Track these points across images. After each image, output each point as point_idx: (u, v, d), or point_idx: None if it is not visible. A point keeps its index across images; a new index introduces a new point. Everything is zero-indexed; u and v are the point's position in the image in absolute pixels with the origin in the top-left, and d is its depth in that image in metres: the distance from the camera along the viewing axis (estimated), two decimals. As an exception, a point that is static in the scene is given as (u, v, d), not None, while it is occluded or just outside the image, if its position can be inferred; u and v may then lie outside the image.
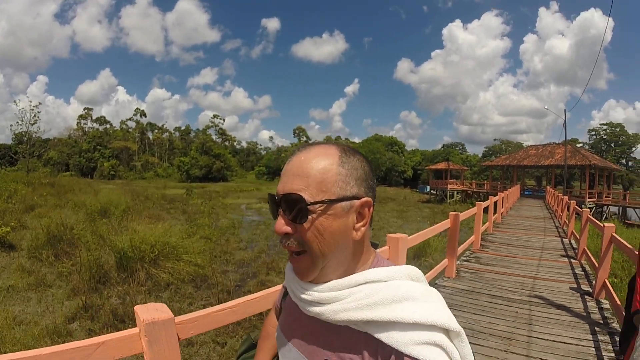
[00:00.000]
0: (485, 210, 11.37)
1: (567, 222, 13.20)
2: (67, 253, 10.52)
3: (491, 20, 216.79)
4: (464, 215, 7.90)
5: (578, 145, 67.83)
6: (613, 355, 4.21)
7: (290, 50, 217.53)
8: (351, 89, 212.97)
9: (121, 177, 74.65)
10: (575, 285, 6.92)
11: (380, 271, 0.85)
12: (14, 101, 54.21)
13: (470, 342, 0.84)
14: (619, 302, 5.25)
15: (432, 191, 53.98)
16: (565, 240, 11.70)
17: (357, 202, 0.84)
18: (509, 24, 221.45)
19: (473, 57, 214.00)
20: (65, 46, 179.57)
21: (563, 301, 6.01)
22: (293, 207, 0.81)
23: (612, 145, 78.25)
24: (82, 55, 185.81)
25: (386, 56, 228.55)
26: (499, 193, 16.44)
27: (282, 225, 0.83)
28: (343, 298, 0.83)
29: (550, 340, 4.53)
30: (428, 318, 0.74)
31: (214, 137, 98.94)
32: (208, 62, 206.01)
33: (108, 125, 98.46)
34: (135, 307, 1.59)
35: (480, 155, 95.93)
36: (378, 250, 0.97)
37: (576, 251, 7.64)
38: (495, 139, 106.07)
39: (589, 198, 33.54)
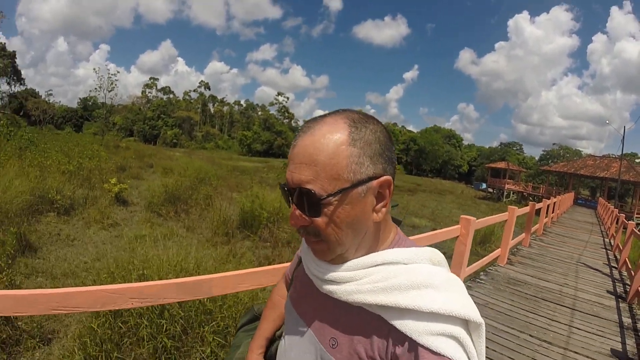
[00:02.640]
0: (538, 212, 11.84)
1: (614, 234, 13.39)
2: (185, 211, 11.25)
3: (560, 15, 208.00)
4: (519, 212, 8.16)
5: (638, 160, 67.04)
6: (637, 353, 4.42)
7: (351, 32, 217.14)
8: (410, 75, 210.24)
9: (183, 146, 77.00)
10: (611, 289, 7.23)
11: (400, 252, 0.82)
12: (94, 69, 56.75)
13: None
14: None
15: (488, 189, 53.88)
16: (610, 251, 11.78)
17: (374, 183, 0.78)
18: (579, 21, 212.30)
19: (538, 52, 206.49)
20: (129, 17, 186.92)
21: (596, 303, 6.24)
22: (305, 202, 0.77)
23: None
24: (145, 25, 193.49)
25: (448, 44, 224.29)
26: (552, 197, 17.02)
27: (296, 218, 0.81)
28: (359, 278, 0.81)
29: (579, 340, 4.69)
30: (447, 308, 0.71)
31: (273, 113, 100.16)
32: (268, 38, 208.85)
33: (171, 95, 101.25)
34: None
35: (536, 158, 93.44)
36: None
37: (627, 287, 7.53)
38: (554, 143, 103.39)
39: (637, 214, 33.33)
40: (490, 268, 7.41)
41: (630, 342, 4.78)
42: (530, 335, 4.57)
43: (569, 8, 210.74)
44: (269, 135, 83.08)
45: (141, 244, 8.36)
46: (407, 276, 0.76)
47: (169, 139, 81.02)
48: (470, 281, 6.42)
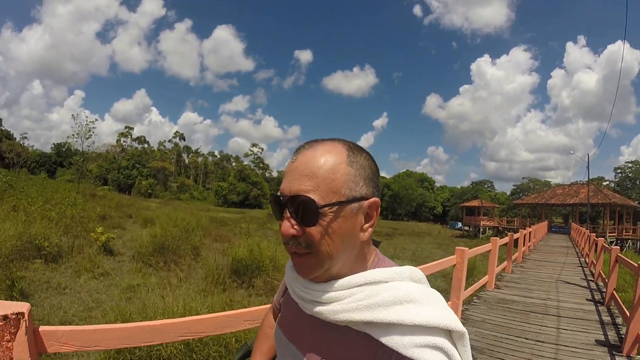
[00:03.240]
0: (516, 243, 12.90)
1: (587, 252, 14.51)
2: (174, 261, 11.21)
3: (519, 55, 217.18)
4: (501, 241, 9.37)
5: (605, 183, 74.38)
6: None
7: (322, 82, 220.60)
8: (380, 122, 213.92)
9: (157, 196, 75.95)
10: (590, 297, 8.27)
11: (381, 272, 0.85)
12: (72, 115, 56.48)
13: None
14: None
15: (465, 227, 55.63)
16: (586, 268, 12.79)
17: (365, 203, 0.83)
18: (537, 59, 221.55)
19: (501, 92, 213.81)
20: (105, 64, 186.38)
21: (578, 309, 7.23)
22: (302, 209, 0.80)
23: (638, 182, 78.60)
24: (120, 74, 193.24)
25: (415, 91, 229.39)
26: (527, 228, 18.19)
27: (288, 228, 0.82)
28: (343, 298, 0.83)
29: (567, 337, 5.55)
30: (429, 320, 0.74)
31: (248, 164, 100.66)
32: (241, 89, 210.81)
33: (146, 145, 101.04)
34: None
35: (508, 193, 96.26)
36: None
37: (604, 294, 8.08)
38: (523, 177, 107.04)
39: (609, 233, 36.17)
40: (480, 293, 8.21)
41: (611, 334, 5.77)
42: (525, 339, 5.45)
43: (527, 48, 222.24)
44: (245, 186, 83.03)
45: (136, 293, 8.34)
46: (390, 293, 0.79)
47: (144, 189, 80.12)
48: (466, 304, 7.09)
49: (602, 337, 5.57)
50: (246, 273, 9.79)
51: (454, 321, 0.76)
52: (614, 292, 7.02)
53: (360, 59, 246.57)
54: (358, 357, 0.79)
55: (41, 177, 48.99)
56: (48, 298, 7.59)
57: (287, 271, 1.02)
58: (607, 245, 9.06)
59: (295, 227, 0.81)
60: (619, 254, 7.21)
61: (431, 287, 0.85)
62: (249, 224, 29.65)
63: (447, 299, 10.68)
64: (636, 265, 5.57)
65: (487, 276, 8.87)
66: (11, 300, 6.70)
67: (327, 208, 0.79)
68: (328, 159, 0.82)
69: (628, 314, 5.36)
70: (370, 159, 0.88)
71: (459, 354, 0.76)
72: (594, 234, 15.76)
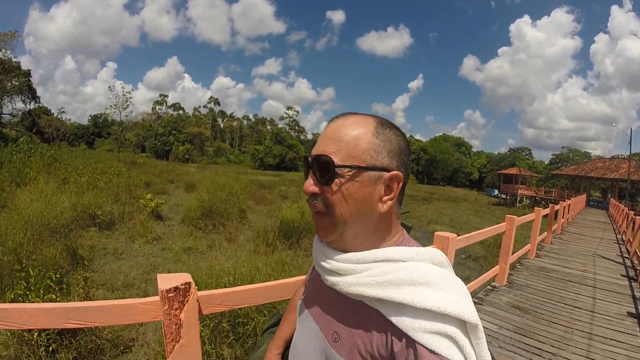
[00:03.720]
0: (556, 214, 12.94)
1: (625, 230, 14.19)
2: (222, 224, 11.48)
3: (561, 17, 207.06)
4: (544, 212, 9.63)
5: None
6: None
7: (355, 44, 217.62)
8: (415, 84, 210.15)
9: (194, 161, 77.41)
10: (625, 274, 8.40)
11: (401, 250, 0.85)
12: (109, 87, 57.73)
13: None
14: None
15: (501, 195, 54.13)
16: (622, 245, 12.59)
17: (386, 174, 0.84)
18: (580, 22, 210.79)
19: (541, 56, 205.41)
20: (135, 35, 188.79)
21: (612, 283, 7.46)
22: (322, 168, 0.84)
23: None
24: (151, 44, 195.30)
25: (452, 52, 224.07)
26: (565, 200, 17.87)
27: (310, 185, 0.86)
28: (359, 272, 0.84)
29: (601, 307, 5.88)
30: (441, 306, 0.72)
31: (284, 127, 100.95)
32: (273, 52, 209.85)
33: (181, 112, 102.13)
34: (157, 275, 1.59)
35: (546, 162, 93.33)
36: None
37: (638, 272, 8.00)
38: (562, 147, 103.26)
39: None
40: (523, 260, 8.59)
41: None
42: (564, 304, 5.88)
43: (569, 10, 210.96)
44: (281, 149, 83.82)
45: (190, 255, 8.59)
46: (405, 272, 0.79)
47: (181, 155, 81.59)
48: (511, 270, 7.49)
49: (633, 310, 5.84)
50: (293, 235, 9.97)
51: (468, 311, 0.73)
52: None
53: (395, 18, 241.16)
54: (368, 335, 0.80)
55: (82, 148, 50.45)
56: (107, 264, 7.85)
57: (314, 244, 1.03)
58: None
59: (315, 185, 0.86)
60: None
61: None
62: (288, 187, 29.94)
63: (486, 265, 10.53)
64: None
65: (529, 245, 9.06)
66: (76, 266, 7.05)
67: (344, 169, 0.82)
68: (356, 127, 0.85)
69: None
70: (400, 136, 0.89)
71: (472, 347, 0.74)
72: (633, 211, 15.19)
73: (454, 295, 0.75)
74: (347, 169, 0.82)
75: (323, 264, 0.92)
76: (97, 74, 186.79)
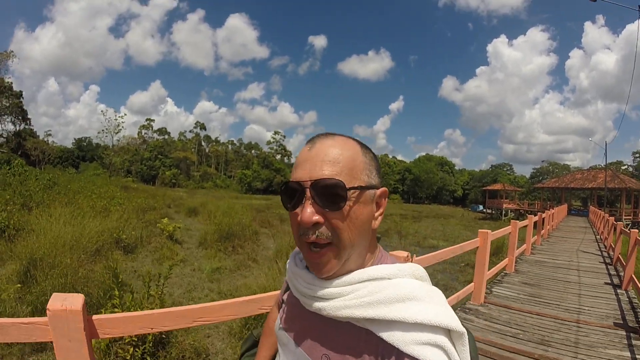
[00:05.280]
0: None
1: (607, 236, 15.64)
2: (240, 245, 12.07)
3: (537, 35, 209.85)
4: (534, 219, 11.73)
5: (623, 167, 76.76)
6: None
7: (337, 67, 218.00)
8: (396, 106, 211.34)
9: (181, 186, 77.47)
10: (602, 261, 11.36)
11: (384, 268, 0.85)
12: (101, 111, 58.18)
13: None
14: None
15: (487, 209, 56.78)
16: (601, 243, 15.85)
17: (378, 192, 0.87)
18: (555, 39, 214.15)
19: (518, 74, 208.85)
20: (119, 58, 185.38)
21: (593, 267, 10.28)
22: (329, 192, 0.80)
23: (656, 166, 79.09)
24: (135, 67, 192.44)
25: (431, 74, 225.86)
26: (546, 211, 19.38)
27: (312, 214, 0.81)
28: (345, 294, 0.83)
29: (586, 279, 8.61)
30: (431, 319, 0.74)
31: (270, 151, 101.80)
32: (255, 77, 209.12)
33: (166, 136, 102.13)
34: (53, 295, 1.55)
35: (527, 176, 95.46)
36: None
37: (621, 277, 8.55)
38: (542, 160, 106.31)
39: (625, 216, 37.93)
40: (521, 257, 11.00)
41: (615, 279, 8.71)
42: (557, 280, 8.38)
43: (544, 28, 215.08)
44: (268, 173, 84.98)
45: (222, 275, 9.07)
46: (392, 290, 0.79)
47: (168, 179, 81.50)
48: (516, 263, 9.63)
49: (608, 280, 8.62)
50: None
51: (454, 321, 0.77)
52: (633, 275, 7.57)
53: (375, 42, 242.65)
54: (360, 353, 0.81)
55: (72, 172, 50.11)
56: (142, 285, 8.17)
57: (288, 268, 1.04)
58: (625, 229, 9.88)
59: (318, 213, 0.81)
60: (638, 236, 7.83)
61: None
62: (282, 210, 30.37)
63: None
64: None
65: (524, 245, 11.34)
66: (113, 289, 7.37)
67: (352, 191, 0.81)
68: (347, 148, 0.85)
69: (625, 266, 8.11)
70: (375, 155, 0.93)
71: (458, 354, 0.77)
72: (613, 217, 16.67)
73: (440, 307, 0.79)
74: (354, 191, 0.81)
75: (304, 290, 0.91)
76: (80, 97, 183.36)
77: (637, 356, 4.40)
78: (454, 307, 5.84)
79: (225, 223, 13.28)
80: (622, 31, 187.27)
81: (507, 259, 8.79)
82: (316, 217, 0.80)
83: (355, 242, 0.83)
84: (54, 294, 1.53)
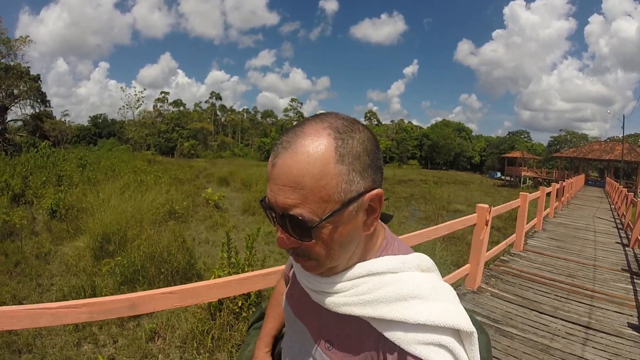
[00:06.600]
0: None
1: (620, 205, 16.95)
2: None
3: None
4: (555, 187, 13.69)
5: None
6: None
7: (349, 32, 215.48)
8: (410, 70, 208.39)
9: (200, 156, 78.14)
10: (615, 226, 12.92)
11: (387, 261, 0.81)
12: (121, 87, 59.33)
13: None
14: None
15: (504, 177, 58.07)
16: (615, 212, 17.34)
17: (365, 198, 0.74)
18: (574, 4, 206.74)
19: (536, 38, 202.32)
20: (126, 33, 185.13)
21: (607, 232, 11.64)
22: (293, 227, 0.73)
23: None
24: (143, 41, 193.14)
25: (446, 37, 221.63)
26: (566, 180, 21.34)
27: (284, 241, 0.76)
28: (345, 290, 0.80)
29: (600, 241, 10.03)
30: (435, 319, 0.70)
31: (286, 119, 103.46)
32: (266, 44, 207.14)
33: (182, 108, 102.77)
34: None
35: (544, 144, 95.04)
36: None
37: (630, 238, 10.06)
38: (560, 129, 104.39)
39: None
40: (546, 219, 12.49)
41: (625, 241, 10.13)
42: (577, 237, 10.14)
43: None
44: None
45: (275, 238, 10.00)
46: (393, 287, 0.76)
47: (186, 150, 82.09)
48: (544, 223, 11.60)
49: (619, 240, 10.21)
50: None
51: (462, 320, 0.72)
52: (639, 237, 9.04)
53: (388, 5, 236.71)
54: (362, 346, 0.79)
55: (93, 150, 51.20)
56: (206, 251, 8.96)
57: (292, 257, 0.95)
58: (635, 199, 11.87)
59: (291, 239, 0.75)
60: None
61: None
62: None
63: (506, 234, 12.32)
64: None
65: (549, 209, 12.90)
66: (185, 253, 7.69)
67: (321, 223, 0.71)
68: (313, 161, 0.69)
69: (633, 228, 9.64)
70: (365, 140, 0.75)
71: (466, 353, 0.73)
72: (627, 188, 18.20)
73: (447, 304, 0.75)
74: (324, 221, 0.71)
75: (305, 282, 0.91)
76: (90, 75, 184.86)
77: (637, 288, 6.01)
78: (502, 252, 7.55)
79: (263, 190, 14.07)
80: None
81: (536, 218, 10.62)
82: (289, 243, 0.76)
83: (338, 258, 0.79)
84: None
